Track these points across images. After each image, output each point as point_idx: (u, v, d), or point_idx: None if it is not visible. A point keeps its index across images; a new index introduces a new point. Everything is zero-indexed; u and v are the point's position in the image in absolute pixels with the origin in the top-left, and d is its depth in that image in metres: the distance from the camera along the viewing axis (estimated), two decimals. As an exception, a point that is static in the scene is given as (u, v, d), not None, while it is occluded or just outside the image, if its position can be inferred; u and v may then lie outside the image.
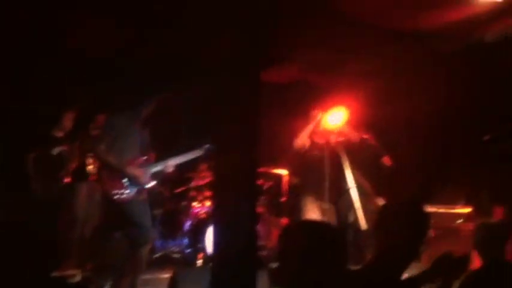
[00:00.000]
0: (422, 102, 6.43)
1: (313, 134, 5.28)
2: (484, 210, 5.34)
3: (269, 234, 6.08)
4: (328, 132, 5.19)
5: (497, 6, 4.91)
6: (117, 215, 4.60)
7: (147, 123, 4.67)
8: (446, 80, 6.29)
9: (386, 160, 5.25)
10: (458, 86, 6.26)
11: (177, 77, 5.59)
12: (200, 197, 6.46)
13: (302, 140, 5.11)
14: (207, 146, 4.84)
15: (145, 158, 4.67)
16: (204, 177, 6.40)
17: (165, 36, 5.16)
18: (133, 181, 4.49)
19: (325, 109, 5.25)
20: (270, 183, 6.42)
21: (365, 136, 5.32)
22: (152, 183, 4.67)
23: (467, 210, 5.81)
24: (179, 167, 4.97)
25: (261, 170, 6.36)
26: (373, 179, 5.21)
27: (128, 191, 4.49)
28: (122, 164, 4.46)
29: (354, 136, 5.16)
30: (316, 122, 5.21)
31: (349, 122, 5.15)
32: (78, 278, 4.70)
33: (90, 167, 5.17)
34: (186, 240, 6.33)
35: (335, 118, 5.17)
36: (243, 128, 2.59)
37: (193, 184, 6.58)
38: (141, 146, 4.65)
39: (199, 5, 3.71)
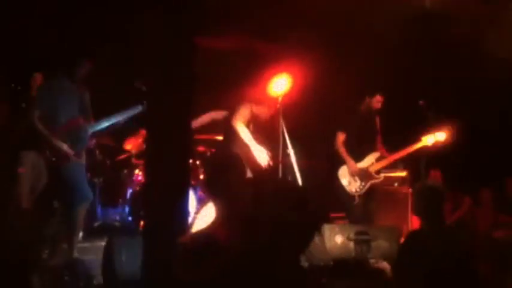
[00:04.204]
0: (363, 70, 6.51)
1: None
2: (420, 175, 5.52)
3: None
4: (272, 99, 5.24)
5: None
6: (55, 180, 4.61)
7: (85, 84, 4.68)
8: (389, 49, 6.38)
9: None
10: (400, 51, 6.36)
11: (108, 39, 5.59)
12: (142, 165, 6.36)
13: None
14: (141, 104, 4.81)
15: (85, 117, 4.64)
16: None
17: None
18: (58, 152, 4.44)
19: (269, 76, 5.28)
20: (213, 150, 6.35)
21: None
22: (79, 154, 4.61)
23: (403, 174, 6.02)
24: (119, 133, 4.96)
25: (204, 136, 6.31)
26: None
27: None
28: (49, 135, 4.43)
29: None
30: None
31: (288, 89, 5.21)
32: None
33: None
34: (127, 208, 6.25)
35: (279, 85, 5.22)
36: (176, 88, 2.54)
37: (134, 151, 6.46)
38: (82, 106, 4.63)
39: None
